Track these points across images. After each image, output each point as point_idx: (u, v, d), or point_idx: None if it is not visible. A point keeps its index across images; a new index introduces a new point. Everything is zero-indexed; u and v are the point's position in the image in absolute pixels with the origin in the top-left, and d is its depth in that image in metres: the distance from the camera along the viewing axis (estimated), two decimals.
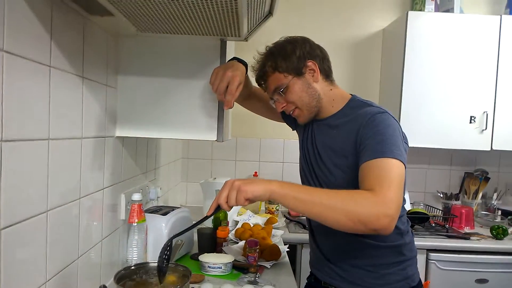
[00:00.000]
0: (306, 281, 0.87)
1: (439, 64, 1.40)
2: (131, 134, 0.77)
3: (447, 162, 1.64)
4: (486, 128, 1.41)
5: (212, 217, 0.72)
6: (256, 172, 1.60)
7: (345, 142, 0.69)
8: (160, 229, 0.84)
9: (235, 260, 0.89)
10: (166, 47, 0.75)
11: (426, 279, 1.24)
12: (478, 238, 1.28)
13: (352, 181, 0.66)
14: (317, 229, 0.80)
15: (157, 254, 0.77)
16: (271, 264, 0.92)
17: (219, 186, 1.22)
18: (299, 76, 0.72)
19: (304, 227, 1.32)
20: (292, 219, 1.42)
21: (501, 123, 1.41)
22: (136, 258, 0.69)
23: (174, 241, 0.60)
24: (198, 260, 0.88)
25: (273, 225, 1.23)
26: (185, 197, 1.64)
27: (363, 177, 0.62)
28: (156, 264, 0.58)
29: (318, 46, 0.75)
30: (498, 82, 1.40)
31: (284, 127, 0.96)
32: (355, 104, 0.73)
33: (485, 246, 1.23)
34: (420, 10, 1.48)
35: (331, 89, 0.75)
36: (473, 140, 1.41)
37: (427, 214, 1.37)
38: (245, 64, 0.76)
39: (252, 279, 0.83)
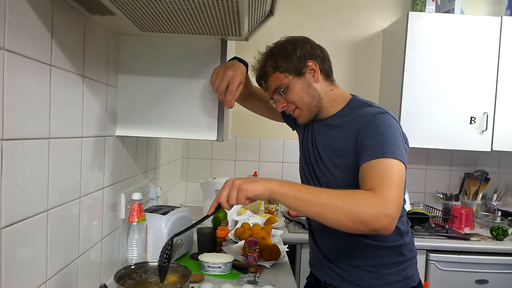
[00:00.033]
0: (306, 281, 0.87)
1: (440, 65, 1.40)
2: (131, 133, 0.77)
3: (447, 162, 1.64)
4: (486, 129, 1.41)
5: (212, 216, 0.72)
6: (255, 172, 1.60)
7: (345, 142, 0.69)
8: (160, 229, 0.84)
9: (234, 259, 0.89)
10: (166, 46, 0.75)
11: (426, 279, 1.24)
12: (478, 238, 1.28)
13: (352, 181, 0.66)
14: (316, 229, 0.80)
15: (157, 254, 0.77)
16: (270, 264, 0.92)
17: (219, 186, 1.21)
18: (300, 76, 0.72)
19: (304, 227, 1.32)
20: (292, 219, 1.42)
21: (501, 124, 1.41)
22: (136, 257, 0.69)
23: (174, 240, 0.60)
24: (198, 259, 0.88)
25: (272, 225, 1.23)
26: (184, 196, 1.64)
27: (363, 177, 0.62)
28: (157, 264, 0.58)
29: (319, 46, 0.75)
30: (498, 83, 1.40)
31: (284, 127, 0.96)
32: (355, 104, 0.73)
33: (485, 246, 1.23)
34: (421, 11, 1.48)
35: (331, 89, 0.75)
36: (473, 140, 1.41)
37: (427, 215, 1.37)
38: (246, 64, 0.76)
39: (252, 278, 0.83)
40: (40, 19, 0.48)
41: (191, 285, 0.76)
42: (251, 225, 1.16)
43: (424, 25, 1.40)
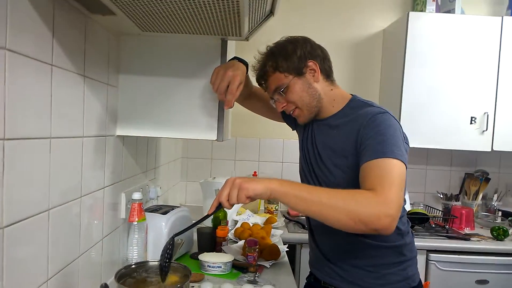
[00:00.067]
0: (306, 281, 0.87)
1: (440, 65, 1.40)
2: (131, 133, 0.77)
3: (447, 162, 1.64)
4: (486, 129, 1.41)
5: (212, 216, 0.72)
6: (255, 172, 1.60)
7: (345, 142, 0.69)
8: (160, 228, 0.85)
9: (234, 259, 0.89)
10: (167, 46, 0.75)
11: (426, 279, 1.24)
12: (479, 239, 1.28)
13: (352, 181, 0.66)
14: (316, 229, 0.80)
15: (157, 253, 0.77)
16: (270, 264, 0.92)
17: (219, 185, 1.23)
18: (300, 76, 0.72)
19: (304, 227, 1.32)
20: (292, 219, 1.42)
21: (502, 124, 1.41)
22: (136, 257, 0.69)
23: (174, 240, 0.60)
24: (198, 259, 0.88)
25: (272, 224, 1.23)
26: (184, 196, 1.64)
27: (364, 177, 0.62)
28: (158, 263, 0.58)
29: (319, 46, 0.75)
30: (499, 83, 1.40)
31: (283, 127, 0.96)
32: (355, 104, 0.73)
33: (486, 247, 1.23)
34: (421, 11, 1.48)
35: (331, 89, 0.75)
36: (474, 140, 1.41)
37: (427, 215, 1.37)
38: (246, 64, 0.76)
39: (252, 278, 0.83)
40: (41, 18, 0.48)
41: (191, 284, 0.76)
42: (251, 224, 1.16)
43: (424, 25, 1.40)
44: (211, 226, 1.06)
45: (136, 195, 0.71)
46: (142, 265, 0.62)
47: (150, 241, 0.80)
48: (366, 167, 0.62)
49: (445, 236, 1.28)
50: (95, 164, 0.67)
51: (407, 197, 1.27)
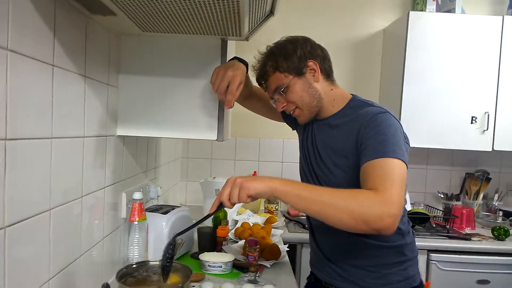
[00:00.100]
0: (306, 281, 0.87)
1: (440, 65, 1.40)
2: (132, 133, 0.78)
3: (448, 162, 1.64)
4: (487, 129, 1.40)
5: (212, 216, 0.72)
6: (255, 172, 1.60)
7: (346, 142, 0.69)
8: (160, 228, 0.85)
9: (235, 259, 0.90)
10: (167, 46, 0.76)
11: (426, 279, 1.23)
12: (479, 239, 1.28)
13: (353, 181, 0.66)
14: (317, 229, 0.80)
15: (157, 253, 0.77)
16: (271, 264, 0.92)
17: (219, 185, 1.23)
18: (300, 76, 0.72)
19: (304, 226, 1.32)
20: (292, 219, 1.42)
21: (503, 124, 1.41)
22: (137, 256, 0.69)
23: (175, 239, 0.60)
24: (198, 259, 0.89)
25: (272, 224, 1.23)
26: (184, 196, 1.64)
27: (365, 177, 0.62)
28: (158, 263, 0.58)
29: (319, 46, 0.75)
30: (499, 82, 1.40)
31: (283, 127, 0.96)
32: (356, 104, 0.73)
33: (487, 247, 1.23)
34: (421, 10, 1.48)
35: (331, 89, 0.75)
36: (474, 140, 1.41)
37: (428, 215, 1.37)
38: (246, 64, 0.76)
39: (252, 278, 0.84)
40: (42, 19, 0.48)
41: (192, 284, 0.76)
42: (251, 224, 1.16)
43: (424, 24, 1.39)
44: (212, 226, 1.06)
45: (137, 195, 0.71)
46: (143, 264, 0.62)
47: (151, 240, 0.80)
48: (367, 167, 0.62)
49: (445, 236, 1.28)
50: (95, 164, 0.67)
51: (407, 197, 1.27)
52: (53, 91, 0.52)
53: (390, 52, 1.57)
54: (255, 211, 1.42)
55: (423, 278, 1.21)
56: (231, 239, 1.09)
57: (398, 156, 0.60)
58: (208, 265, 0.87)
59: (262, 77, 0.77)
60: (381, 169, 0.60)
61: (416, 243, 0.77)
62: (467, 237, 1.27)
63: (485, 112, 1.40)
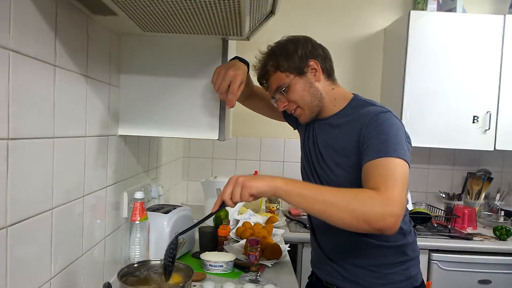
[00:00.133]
0: (308, 280, 0.87)
1: (442, 64, 1.39)
2: (133, 132, 0.78)
3: (449, 162, 1.64)
4: (489, 128, 1.40)
5: (214, 215, 0.72)
6: (256, 171, 1.60)
7: (347, 141, 0.69)
8: (162, 227, 0.85)
9: (236, 258, 0.90)
10: (168, 46, 0.76)
11: (428, 279, 1.23)
12: (481, 238, 1.27)
13: (355, 181, 0.66)
14: (318, 228, 0.80)
15: (159, 252, 0.77)
16: (272, 263, 0.92)
17: (220, 185, 1.23)
18: (301, 75, 0.72)
19: (305, 226, 1.32)
20: (293, 218, 1.42)
21: (505, 123, 1.40)
22: (138, 255, 0.70)
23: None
24: (200, 258, 0.89)
25: (273, 224, 1.23)
26: (186, 195, 1.64)
27: (367, 177, 0.61)
28: (159, 262, 0.58)
29: (320, 46, 0.75)
30: (501, 82, 1.40)
31: (284, 127, 0.96)
32: (357, 104, 0.73)
33: (488, 246, 1.22)
34: (422, 10, 1.47)
35: (333, 89, 0.75)
36: (476, 140, 1.40)
37: (429, 214, 1.36)
38: (247, 63, 0.76)
39: (254, 277, 0.84)
40: (44, 19, 0.48)
41: (193, 283, 0.76)
42: (252, 224, 1.16)
43: (425, 24, 1.39)
44: (213, 225, 1.06)
45: (138, 194, 0.72)
46: (144, 264, 0.63)
47: (152, 240, 0.80)
48: (369, 167, 0.61)
49: (447, 236, 1.28)
50: (97, 163, 0.67)
51: (408, 196, 1.26)
52: (54, 91, 0.52)
53: (391, 51, 1.57)
54: (256, 210, 1.42)
55: (425, 278, 1.20)
56: (232, 238, 1.09)
57: (400, 156, 0.60)
58: (209, 265, 0.87)
59: (263, 76, 0.77)
60: (383, 169, 0.60)
61: (418, 243, 0.76)
62: (468, 237, 1.27)
63: (487, 112, 1.40)
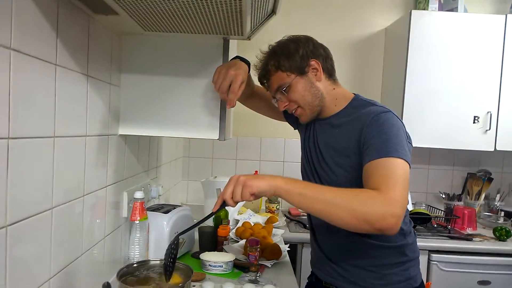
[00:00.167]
0: (307, 281, 0.87)
1: (443, 64, 1.39)
2: (134, 132, 0.78)
3: (449, 162, 1.63)
4: (489, 128, 1.40)
5: (214, 215, 0.72)
6: (256, 171, 1.60)
7: (348, 141, 0.69)
8: (161, 227, 0.85)
9: (236, 259, 0.90)
10: (169, 45, 0.76)
11: (427, 280, 1.23)
12: (481, 239, 1.27)
13: (355, 181, 0.66)
14: (318, 228, 0.80)
15: (158, 252, 0.77)
16: (271, 263, 0.92)
17: (220, 184, 1.22)
18: (302, 75, 0.72)
19: (305, 226, 1.32)
20: (293, 219, 1.42)
21: (505, 124, 1.40)
22: (138, 255, 0.70)
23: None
24: (199, 258, 0.89)
25: (273, 224, 1.23)
26: (185, 195, 1.64)
27: (368, 177, 0.61)
28: (159, 262, 0.58)
29: (321, 45, 0.75)
30: (502, 82, 1.39)
31: (285, 127, 0.95)
32: (358, 104, 0.73)
33: (488, 247, 1.22)
34: (424, 9, 1.47)
35: (334, 88, 0.75)
36: (477, 140, 1.40)
37: (429, 215, 1.36)
38: (248, 63, 0.76)
39: (253, 278, 0.83)
40: (45, 18, 0.48)
41: (192, 283, 0.76)
42: (252, 224, 1.16)
43: (427, 23, 1.39)
44: (213, 225, 1.06)
45: (138, 194, 0.72)
46: (143, 263, 0.62)
47: (152, 240, 0.80)
48: (370, 167, 0.61)
49: (447, 236, 1.28)
50: (97, 163, 0.67)
51: (408, 197, 1.25)
52: (55, 90, 0.52)
53: (392, 51, 1.56)
54: (256, 210, 1.42)
55: (424, 278, 1.20)
56: (232, 238, 1.09)
57: (401, 156, 0.60)
58: (209, 265, 0.87)
59: (264, 76, 0.77)
60: (384, 169, 0.59)
61: (417, 244, 0.76)
62: (468, 238, 1.27)
63: (488, 112, 1.40)
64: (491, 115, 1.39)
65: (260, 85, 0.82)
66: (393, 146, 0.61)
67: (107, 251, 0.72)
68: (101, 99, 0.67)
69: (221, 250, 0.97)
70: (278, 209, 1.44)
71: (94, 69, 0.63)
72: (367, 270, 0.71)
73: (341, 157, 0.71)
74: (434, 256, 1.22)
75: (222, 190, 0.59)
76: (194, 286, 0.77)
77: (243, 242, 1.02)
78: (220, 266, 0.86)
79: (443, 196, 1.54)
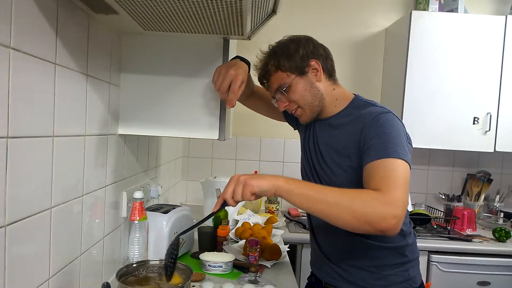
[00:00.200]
0: (307, 281, 0.87)
1: (443, 65, 1.39)
2: (133, 132, 0.77)
3: (449, 163, 1.64)
4: (489, 129, 1.40)
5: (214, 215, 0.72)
6: (256, 172, 1.60)
7: (348, 142, 0.69)
8: (161, 227, 0.85)
9: (235, 259, 0.89)
10: (169, 45, 0.75)
11: (427, 281, 1.23)
12: (480, 240, 1.27)
13: (355, 181, 0.66)
14: (318, 229, 0.80)
15: (158, 252, 0.77)
16: (271, 264, 0.92)
17: (219, 184, 1.23)
18: (302, 75, 0.72)
19: (304, 227, 1.32)
20: (292, 219, 1.42)
21: (505, 125, 1.40)
22: (137, 255, 0.69)
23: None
24: (199, 258, 0.88)
25: (273, 224, 1.23)
26: (185, 195, 1.64)
27: (368, 177, 0.61)
28: (159, 262, 0.58)
29: (322, 45, 0.75)
30: (502, 83, 1.40)
31: (284, 127, 0.95)
32: (358, 104, 0.73)
33: (487, 248, 1.22)
34: (424, 10, 1.47)
35: (334, 89, 0.75)
36: (476, 141, 1.40)
37: (429, 216, 1.37)
38: (248, 63, 0.76)
39: (253, 278, 0.83)
40: (45, 17, 0.48)
41: (192, 284, 0.76)
42: (252, 224, 1.16)
43: (427, 24, 1.39)
44: (212, 225, 1.05)
45: (138, 194, 0.71)
46: (143, 264, 0.62)
47: (151, 240, 0.80)
48: (370, 167, 0.61)
49: (446, 237, 1.28)
50: (97, 162, 0.67)
51: (408, 198, 1.25)
52: (55, 90, 0.51)
53: (392, 51, 1.57)
54: (256, 211, 1.42)
55: (424, 279, 1.20)
56: (232, 239, 1.09)
57: (401, 157, 0.60)
58: (209, 265, 0.86)
59: (264, 76, 0.76)
60: (384, 170, 0.59)
61: (417, 244, 0.76)
62: (468, 239, 1.27)
63: (487, 113, 1.40)
64: (491, 116, 1.40)
65: (260, 85, 0.82)
66: (393, 146, 0.61)
67: (106, 251, 0.72)
68: (100, 98, 0.67)
69: (221, 250, 0.97)
70: (277, 210, 1.44)
71: (93, 68, 0.63)
72: (367, 271, 0.71)
73: (341, 157, 0.71)
74: (434, 256, 1.23)
75: (221, 190, 0.59)
76: (193, 286, 0.77)
77: (242, 242, 1.02)
78: (219, 267, 0.86)
79: (443, 197, 1.54)
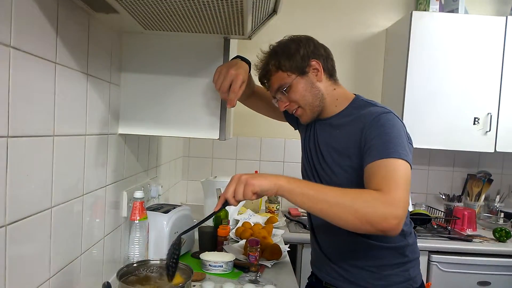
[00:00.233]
0: (307, 281, 0.87)
1: (443, 65, 1.39)
2: (133, 131, 0.77)
3: (450, 163, 1.64)
4: (490, 130, 1.40)
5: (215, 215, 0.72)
6: (256, 171, 1.60)
7: (348, 142, 0.69)
8: (161, 227, 0.85)
9: (236, 259, 0.89)
10: (169, 45, 0.75)
11: (427, 281, 1.23)
12: (481, 240, 1.28)
13: (356, 181, 0.66)
14: (318, 229, 0.80)
15: (158, 252, 0.77)
16: (272, 264, 0.92)
17: (220, 184, 1.23)
18: (303, 75, 0.72)
19: (305, 226, 1.32)
20: (293, 219, 1.42)
21: (505, 125, 1.40)
22: (137, 255, 0.69)
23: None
24: (199, 258, 0.88)
25: (273, 224, 1.23)
26: (185, 195, 1.64)
27: (369, 178, 0.61)
28: (166, 262, 0.57)
29: (322, 46, 0.75)
30: (502, 83, 1.40)
31: (285, 127, 0.95)
32: (358, 104, 0.73)
33: (488, 248, 1.22)
34: (424, 10, 1.47)
35: (334, 89, 0.75)
36: (477, 141, 1.40)
37: (429, 216, 1.37)
38: (248, 63, 0.76)
39: (253, 278, 0.83)
40: (45, 16, 0.48)
41: (192, 283, 0.76)
42: (252, 224, 1.16)
43: (427, 24, 1.39)
44: (213, 225, 1.05)
45: (138, 194, 0.71)
46: (143, 263, 0.62)
47: (152, 239, 0.80)
48: (371, 168, 0.61)
49: (447, 237, 1.28)
50: (97, 162, 0.67)
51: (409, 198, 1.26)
52: (55, 89, 0.51)
53: (392, 52, 1.56)
54: (256, 210, 1.42)
55: (424, 279, 1.19)
56: (232, 238, 1.09)
57: (402, 157, 0.60)
58: (209, 265, 0.86)
59: (264, 76, 0.76)
60: (385, 170, 0.59)
61: (418, 244, 0.76)
62: (468, 239, 1.27)
63: (488, 113, 1.40)
64: (491, 116, 1.40)
65: (261, 85, 0.82)
66: (394, 147, 0.61)
67: (106, 251, 0.72)
68: (101, 98, 0.67)
69: (221, 250, 0.97)
70: (278, 209, 1.43)
71: (94, 67, 0.63)
72: (367, 271, 0.71)
73: (341, 157, 0.71)
74: (434, 256, 1.23)
75: (222, 190, 0.59)
76: (194, 286, 0.77)
77: (243, 242, 1.02)
78: (220, 266, 0.86)
79: (443, 197, 1.54)
